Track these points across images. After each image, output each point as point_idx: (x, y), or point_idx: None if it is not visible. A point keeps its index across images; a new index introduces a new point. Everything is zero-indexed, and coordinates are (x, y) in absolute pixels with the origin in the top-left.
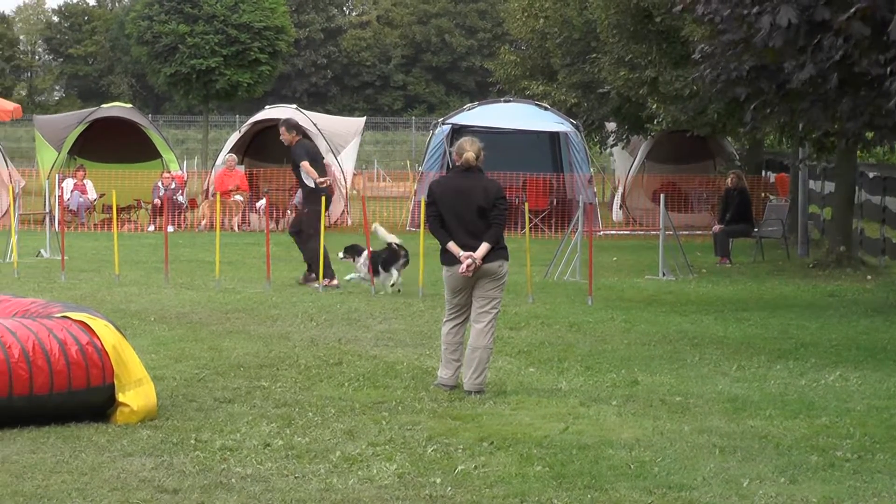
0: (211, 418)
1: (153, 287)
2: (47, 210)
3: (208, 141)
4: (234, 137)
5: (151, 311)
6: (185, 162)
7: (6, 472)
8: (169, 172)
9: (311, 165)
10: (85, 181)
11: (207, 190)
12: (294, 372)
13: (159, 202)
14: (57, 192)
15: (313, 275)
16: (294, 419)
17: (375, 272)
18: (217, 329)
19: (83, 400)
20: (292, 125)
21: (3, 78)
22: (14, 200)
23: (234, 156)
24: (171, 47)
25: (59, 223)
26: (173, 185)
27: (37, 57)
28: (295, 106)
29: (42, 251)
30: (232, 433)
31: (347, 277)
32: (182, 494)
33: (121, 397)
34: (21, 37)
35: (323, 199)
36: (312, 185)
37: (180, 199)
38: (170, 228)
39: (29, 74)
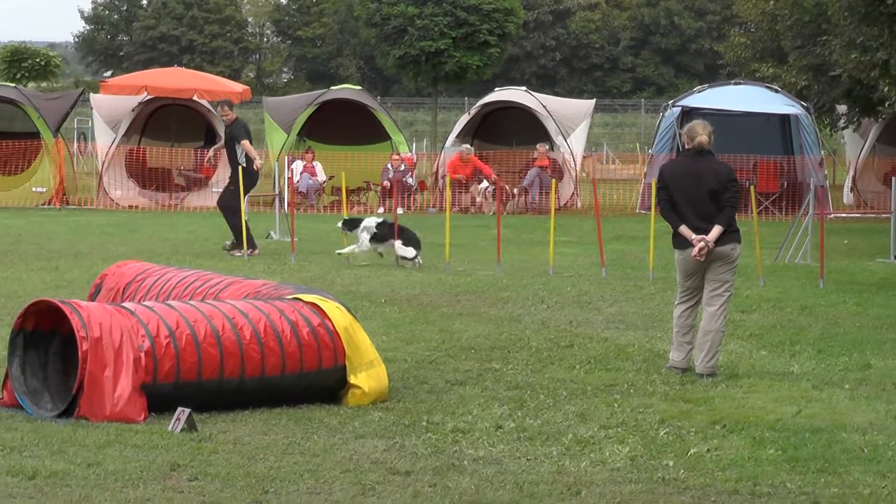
0: (442, 400)
1: (383, 269)
2: (277, 192)
3: (437, 123)
4: (464, 120)
5: (381, 293)
6: (413, 144)
7: (238, 453)
8: (398, 155)
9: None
10: (314, 163)
11: (437, 173)
12: (525, 354)
13: (388, 184)
14: (286, 174)
15: (236, 245)
16: (525, 402)
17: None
18: (447, 311)
19: (314, 381)
20: (232, 105)
21: (231, 60)
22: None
23: (469, 147)
24: (400, 29)
25: (288, 205)
26: (402, 168)
27: (265, 39)
28: (524, 88)
29: (272, 233)
30: (464, 415)
31: (339, 251)
32: (414, 476)
33: (352, 379)
34: (249, 19)
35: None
36: (244, 164)
37: (409, 181)
38: (399, 210)
39: (257, 56)
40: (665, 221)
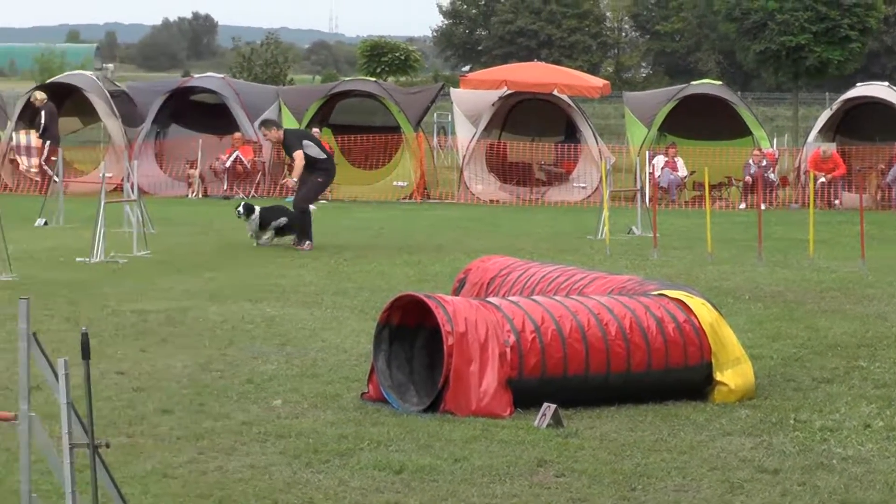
0: (809, 398)
1: (746, 265)
2: (638, 187)
3: (798, 118)
4: (825, 115)
5: (745, 289)
6: (774, 139)
7: (605, 449)
8: (760, 150)
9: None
10: (676, 158)
11: (798, 168)
12: (893, 353)
13: (750, 180)
14: (647, 169)
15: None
16: (894, 400)
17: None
18: (812, 308)
19: (680, 378)
20: (271, 123)
21: (590, 55)
22: (605, 177)
23: (831, 145)
24: (760, 24)
25: (649, 200)
26: (764, 163)
27: (623, 34)
28: (887, 83)
29: (633, 228)
30: (831, 413)
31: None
32: (782, 475)
33: (718, 376)
34: (608, 13)
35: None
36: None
37: (771, 176)
38: (762, 206)
39: (616, 51)
40: None
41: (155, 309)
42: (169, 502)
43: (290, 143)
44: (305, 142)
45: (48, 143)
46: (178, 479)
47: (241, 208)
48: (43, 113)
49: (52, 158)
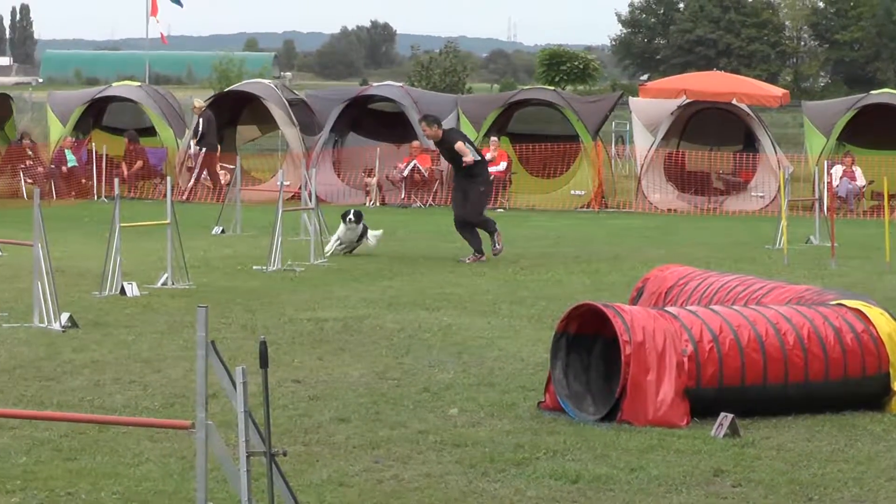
0: None
1: None
2: (816, 196)
3: None
4: None
5: None
6: None
7: (782, 459)
8: None
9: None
10: (854, 168)
11: None
12: None
13: None
14: (826, 179)
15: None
16: None
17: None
18: None
19: (857, 388)
20: (433, 119)
21: (768, 64)
22: (783, 186)
23: None
24: None
25: (827, 209)
26: None
27: (802, 43)
28: None
29: (811, 238)
30: None
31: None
32: None
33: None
34: (787, 22)
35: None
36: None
37: None
38: None
39: (794, 60)
40: None
41: (332, 317)
42: None
43: (451, 137)
44: (466, 142)
45: (203, 150)
46: (354, 488)
47: (352, 215)
48: (201, 120)
49: (223, 167)
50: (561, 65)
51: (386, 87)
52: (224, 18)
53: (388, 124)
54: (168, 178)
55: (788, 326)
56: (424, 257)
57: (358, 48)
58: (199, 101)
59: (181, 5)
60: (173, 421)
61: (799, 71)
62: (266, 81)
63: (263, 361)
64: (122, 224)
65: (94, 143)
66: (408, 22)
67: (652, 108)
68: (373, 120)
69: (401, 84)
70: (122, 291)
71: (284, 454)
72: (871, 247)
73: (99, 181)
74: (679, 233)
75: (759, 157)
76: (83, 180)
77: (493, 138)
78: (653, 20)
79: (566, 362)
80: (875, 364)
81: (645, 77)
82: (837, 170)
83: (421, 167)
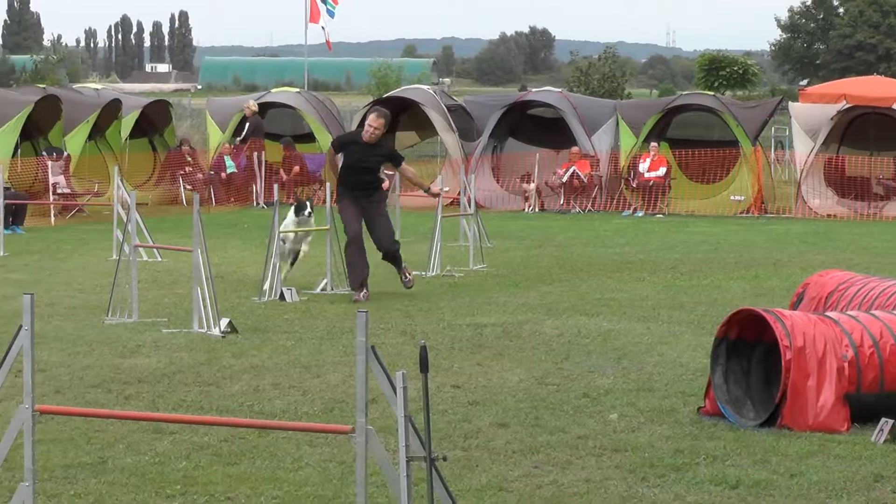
0: None
1: None
2: None
3: None
4: None
5: None
6: None
7: None
8: None
9: None
10: None
11: None
12: None
13: None
14: None
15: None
16: None
17: None
18: None
19: None
20: (384, 114)
21: None
22: None
23: None
24: None
25: None
26: None
27: None
28: None
29: None
30: None
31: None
32: None
33: None
34: None
35: None
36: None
37: None
38: None
39: None
40: None
41: (491, 322)
42: None
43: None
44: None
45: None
46: (514, 493)
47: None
48: (248, 124)
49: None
50: (720, 70)
51: (545, 92)
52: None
53: (547, 130)
54: (327, 184)
55: None
56: (584, 263)
57: (516, 54)
58: (253, 105)
59: (332, 15)
60: (333, 426)
61: None
62: (425, 87)
63: (424, 366)
64: (281, 230)
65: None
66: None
67: (812, 113)
68: (531, 125)
69: (560, 90)
70: (282, 297)
71: (444, 459)
72: None
73: (257, 187)
74: (839, 238)
75: None
76: (242, 186)
77: (653, 143)
78: (812, 25)
79: (726, 367)
80: None
81: (804, 82)
82: None
83: (580, 173)
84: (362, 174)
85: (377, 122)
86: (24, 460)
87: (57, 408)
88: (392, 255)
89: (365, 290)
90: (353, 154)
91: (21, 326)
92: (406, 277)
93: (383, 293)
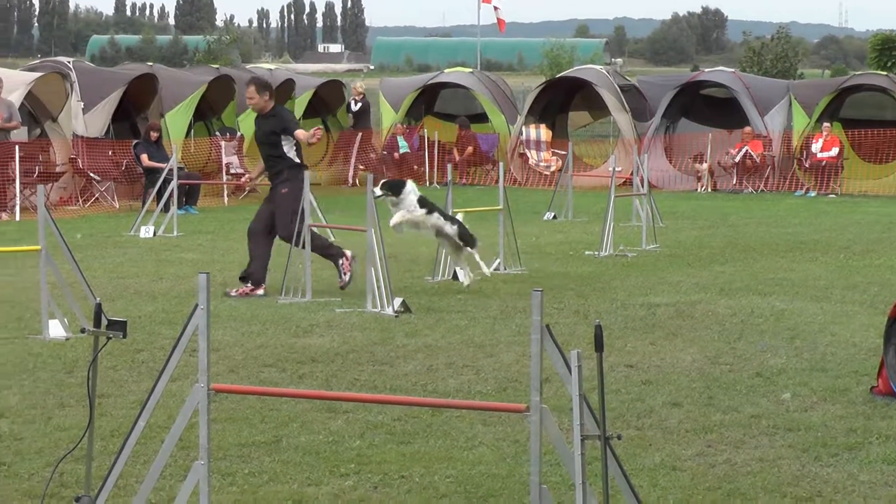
0: None
1: None
2: None
3: None
4: None
5: None
6: None
7: None
8: None
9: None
10: None
11: None
12: None
13: None
14: None
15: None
16: None
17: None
18: None
19: None
20: (262, 85)
21: None
22: None
23: None
24: None
25: None
26: None
27: None
28: None
29: None
30: None
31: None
32: None
33: None
34: None
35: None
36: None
37: None
38: None
39: None
40: None
41: (664, 302)
42: (678, 495)
43: (285, 117)
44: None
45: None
46: (687, 472)
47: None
48: (360, 105)
49: (555, 153)
50: (893, 50)
51: (718, 72)
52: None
53: (720, 110)
54: (500, 164)
55: None
56: (756, 242)
57: (689, 34)
58: (361, 87)
59: None
60: (508, 405)
61: None
62: (598, 67)
63: (599, 345)
64: (455, 209)
65: (425, 130)
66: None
67: None
68: (704, 105)
69: (732, 70)
70: (455, 277)
71: (619, 438)
72: None
73: (430, 167)
74: None
75: None
76: (415, 166)
77: (826, 124)
78: None
79: None
80: None
81: None
82: None
83: (753, 153)
84: (261, 151)
85: (248, 91)
86: (200, 439)
87: (232, 386)
88: (294, 244)
89: (244, 288)
90: (256, 130)
91: (196, 305)
92: (340, 278)
93: (558, 273)
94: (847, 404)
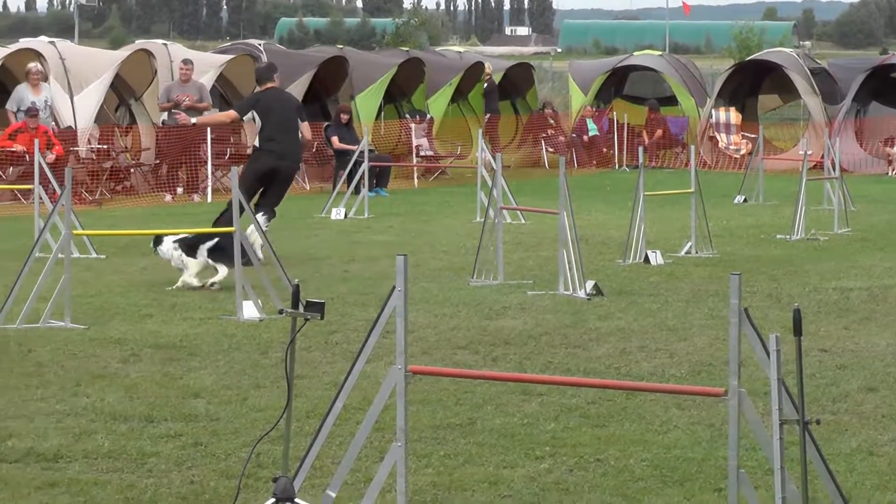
0: None
1: None
2: None
3: None
4: None
5: None
6: None
7: None
8: None
9: None
10: None
11: None
12: None
13: None
14: None
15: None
16: None
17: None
18: None
19: None
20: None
21: None
22: None
23: None
24: None
25: None
26: None
27: None
28: None
29: None
30: None
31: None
32: None
33: None
34: None
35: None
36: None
37: None
38: None
39: None
40: None
41: (857, 286)
42: (874, 480)
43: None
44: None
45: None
46: (884, 458)
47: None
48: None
49: (744, 136)
50: None
51: None
52: None
53: None
54: (691, 147)
55: None
56: None
57: (877, 16)
58: (489, 67)
59: None
60: (705, 388)
61: None
62: (788, 50)
63: (797, 329)
64: (646, 192)
65: (615, 112)
66: None
67: None
68: (895, 89)
69: None
70: (647, 260)
71: (818, 423)
72: None
73: (620, 150)
74: None
75: None
76: (604, 149)
77: None
78: None
79: None
80: None
81: None
82: None
83: None
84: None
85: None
86: (397, 420)
87: (428, 368)
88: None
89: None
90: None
91: (394, 287)
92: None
93: (750, 256)
94: None
